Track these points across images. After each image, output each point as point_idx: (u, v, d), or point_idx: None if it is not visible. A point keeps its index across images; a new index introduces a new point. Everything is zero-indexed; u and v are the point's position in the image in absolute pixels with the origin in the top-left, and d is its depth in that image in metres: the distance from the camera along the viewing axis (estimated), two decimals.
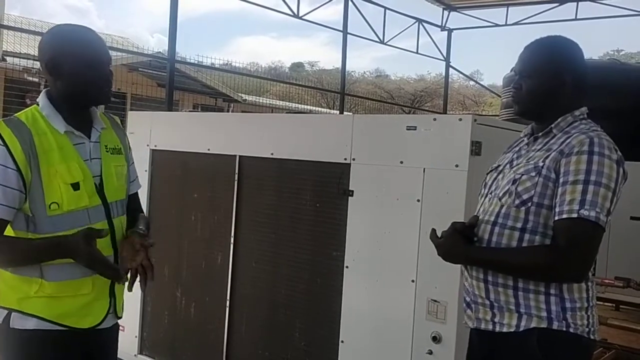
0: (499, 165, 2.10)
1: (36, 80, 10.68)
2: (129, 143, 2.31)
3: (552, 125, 1.96)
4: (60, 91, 2.01)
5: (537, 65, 1.97)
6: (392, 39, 13.30)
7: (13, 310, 1.95)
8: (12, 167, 1.87)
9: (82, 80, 2.00)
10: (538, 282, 1.85)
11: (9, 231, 1.93)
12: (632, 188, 2.78)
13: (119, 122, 2.30)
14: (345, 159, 2.98)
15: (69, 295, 1.98)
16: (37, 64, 10.93)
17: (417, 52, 14.08)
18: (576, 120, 1.96)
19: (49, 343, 1.97)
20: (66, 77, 1.99)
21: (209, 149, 3.55)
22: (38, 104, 2.02)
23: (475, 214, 2.05)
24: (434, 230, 2.04)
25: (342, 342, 2.97)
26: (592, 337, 1.88)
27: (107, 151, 2.12)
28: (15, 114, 2.00)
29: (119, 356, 3.93)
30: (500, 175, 2.03)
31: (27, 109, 2.04)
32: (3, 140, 1.87)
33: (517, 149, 2.09)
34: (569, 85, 1.96)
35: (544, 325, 1.84)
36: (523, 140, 2.09)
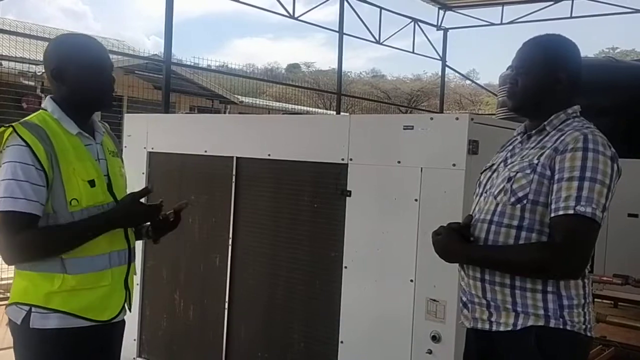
0: (492, 164, 2.11)
1: (32, 84, 10.68)
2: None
3: (545, 123, 1.97)
4: (65, 97, 2.11)
5: (533, 62, 1.98)
6: (388, 38, 13.30)
7: (35, 306, 2.00)
8: (37, 166, 1.95)
9: (86, 86, 2.11)
10: (535, 281, 1.85)
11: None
12: (629, 185, 2.79)
13: (109, 129, 2.41)
14: (343, 159, 2.98)
15: (90, 287, 2.06)
16: (33, 68, 10.97)
17: (413, 52, 14.07)
18: (569, 118, 1.97)
19: (70, 340, 2.03)
20: (70, 83, 2.10)
21: (206, 151, 3.55)
22: (45, 109, 2.11)
23: (471, 213, 2.06)
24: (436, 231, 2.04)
25: (342, 342, 2.97)
26: (588, 334, 1.89)
27: (109, 153, 2.24)
28: (25, 119, 2.08)
29: None
30: (495, 174, 2.04)
31: (35, 113, 2.12)
32: (25, 142, 1.95)
33: (510, 147, 2.09)
34: (564, 83, 1.97)
35: (541, 323, 1.85)
36: (516, 139, 2.10)
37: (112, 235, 2.12)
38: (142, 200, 2.20)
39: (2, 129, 1.98)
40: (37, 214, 1.95)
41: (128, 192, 2.30)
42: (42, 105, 2.14)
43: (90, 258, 2.06)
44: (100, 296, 2.09)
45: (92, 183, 2.08)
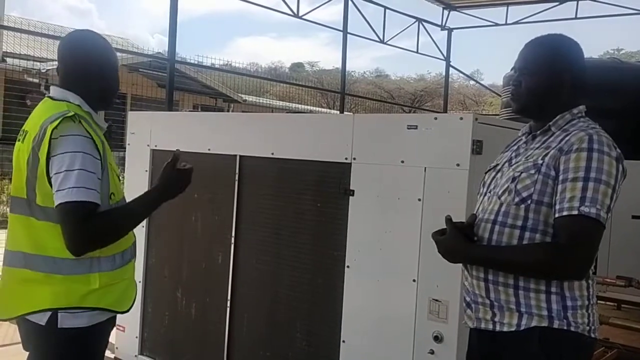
0: (497, 164, 2.10)
1: (36, 81, 10.69)
2: None
3: (551, 123, 1.96)
4: (91, 93, 2.13)
5: (537, 62, 1.97)
6: (392, 38, 13.27)
7: (65, 309, 1.99)
8: (98, 158, 1.99)
9: (110, 85, 2.18)
10: (539, 281, 1.84)
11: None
12: (633, 187, 2.78)
13: None
14: (346, 159, 2.98)
15: (118, 281, 2.13)
16: (37, 65, 11.00)
17: (417, 52, 14.04)
18: (574, 118, 1.96)
19: (96, 334, 2.09)
20: (93, 82, 2.12)
21: (209, 149, 3.55)
22: (67, 101, 2.08)
23: (474, 212, 2.05)
24: (437, 231, 2.04)
25: (344, 342, 2.96)
26: (592, 335, 1.88)
27: None
28: (70, 110, 2.00)
29: (119, 357, 3.95)
30: (499, 174, 2.03)
31: (61, 104, 2.06)
32: (88, 133, 1.98)
33: (515, 147, 2.09)
34: (567, 84, 1.96)
35: (544, 324, 1.84)
36: (521, 139, 2.09)
37: None
38: None
39: (67, 117, 1.95)
40: (99, 203, 1.97)
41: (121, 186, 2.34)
42: (59, 97, 2.10)
43: (121, 254, 2.13)
44: (125, 288, 2.17)
45: (119, 178, 2.20)
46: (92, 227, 1.93)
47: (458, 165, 2.63)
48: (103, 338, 2.17)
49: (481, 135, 2.64)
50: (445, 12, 13.61)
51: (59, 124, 1.93)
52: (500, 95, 10.12)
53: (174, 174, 2.17)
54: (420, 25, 13.55)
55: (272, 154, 3.26)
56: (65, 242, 1.93)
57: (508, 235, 1.89)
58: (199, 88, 16.58)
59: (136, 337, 3.82)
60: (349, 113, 15.00)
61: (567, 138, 1.86)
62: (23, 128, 2.10)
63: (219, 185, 3.50)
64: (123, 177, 4.31)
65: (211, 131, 3.62)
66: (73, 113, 1.98)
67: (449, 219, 1.98)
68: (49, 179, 1.93)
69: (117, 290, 2.12)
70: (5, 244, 2.11)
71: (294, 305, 3.17)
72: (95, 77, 2.12)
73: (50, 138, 1.92)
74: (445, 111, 14.96)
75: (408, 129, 2.79)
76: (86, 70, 2.11)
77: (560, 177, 1.81)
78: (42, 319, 2.00)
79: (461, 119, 2.69)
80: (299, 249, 3.16)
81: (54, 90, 2.14)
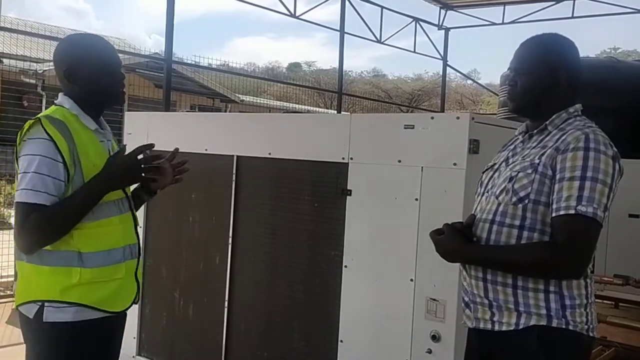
0: (494, 164, 2.10)
1: (33, 82, 10.67)
2: None
3: (547, 122, 1.96)
4: (79, 95, 2.17)
5: (532, 62, 1.97)
6: (389, 38, 13.27)
7: (49, 301, 2.04)
8: (60, 160, 2.00)
9: (99, 86, 2.18)
10: (537, 280, 1.85)
11: None
12: (630, 185, 2.78)
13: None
14: (343, 159, 2.98)
15: (106, 280, 2.13)
16: (34, 66, 10.98)
17: (414, 52, 14.06)
18: (571, 117, 1.96)
19: (83, 332, 2.08)
20: (84, 82, 2.15)
21: (206, 150, 3.54)
22: (61, 106, 2.16)
23: (472, 212, 2.05)
24: (434, 230, 2.04)
25: (341, 341, 2.96)
26: (591, 334, 1.88)
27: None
28: (47, 113, 2.10)
29: None
30: (496, 174, 2.03)
31: (52, 109, 2.16)
32: (49, 136, 2.00)
33: (512, 147, 2.09)
34: (564, 83, 1.96)
35: (543, 322, 1.84)
36: (518, 139, 2.09)
37: (124, 230, 2.21)
38: None
39: (30, 121, 2.03)
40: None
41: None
42: (57, 102, 2.18)
43: (107, 252, 2.13)
44: (115, 288, 2.17)
45: None
46: (29, 225, 1.97)
47: (455, 164, 2.63)
48: (95, 336, 2.14)
49: (478, 135, 2.64)
50: (442, 11, 13.63)
51: (27, 127, 2.02)
52: (497, 95, 10.13)
53: (129, 160, 2.12)
54: (417, 25, 13.56)
55: (270, 154, 3.26)
56: (14, 239, 2.01)
57: (506, 235, 1.89)
58: (196, 88, 16.55)
59: (134, 338, 3.82)
60: (346, 113, 15.00)
61: (563, 137, 1.87)
62: None
63: (216, 186, 3.49)
64: None
65: (208, 131, 3.62)
66: (39, 117, 2.04)
67: (447, 225, 1.99)
68: None
69: (105, 289, 2.13)
70: None
71: (292, 305, 3.17)
72: (75, 81, 2.16)
73: (20, 141, 2.03)
74: (442, 111, 14.96)
75: (405, 128, 2.79)
76: (66, 76, 2.16)
77: (557, 177, 1.81)
78: (30, 313, 2.07)
79: (458, 118, 2.69)
80: (296, 249, 3.16)
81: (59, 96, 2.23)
